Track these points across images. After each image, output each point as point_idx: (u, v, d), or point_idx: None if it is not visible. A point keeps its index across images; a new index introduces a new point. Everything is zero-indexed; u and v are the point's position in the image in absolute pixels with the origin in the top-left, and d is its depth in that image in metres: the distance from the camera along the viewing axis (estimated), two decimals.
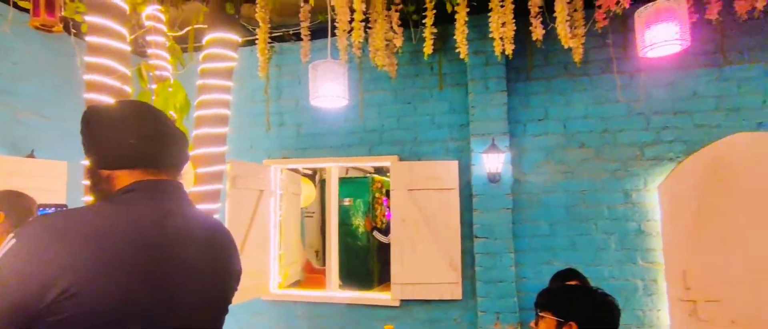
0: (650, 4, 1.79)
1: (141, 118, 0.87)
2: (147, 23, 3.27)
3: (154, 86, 3.04)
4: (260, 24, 3.02)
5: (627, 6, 2.07)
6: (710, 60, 3.25)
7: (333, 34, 2.74)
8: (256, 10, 3.01)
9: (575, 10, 2.75)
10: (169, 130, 0.89)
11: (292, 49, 4.04)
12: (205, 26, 3.11)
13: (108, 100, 2.18)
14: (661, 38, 1.74)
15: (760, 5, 2.38)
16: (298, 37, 3.97)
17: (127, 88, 2.59)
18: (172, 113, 3.00)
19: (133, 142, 0.83)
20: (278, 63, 4.07)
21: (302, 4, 2.95)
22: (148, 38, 3.25)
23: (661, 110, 3.29)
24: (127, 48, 2.64)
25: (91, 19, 2.47)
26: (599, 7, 2.39)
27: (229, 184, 3.47)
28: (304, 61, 3.06)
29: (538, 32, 2.57)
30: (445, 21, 3.00)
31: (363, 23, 2.62)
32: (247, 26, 3.73)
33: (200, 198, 2.38)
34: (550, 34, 2.80)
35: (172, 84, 3.05)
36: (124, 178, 0.83)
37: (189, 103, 3.06)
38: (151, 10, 3.21)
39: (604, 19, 2.42)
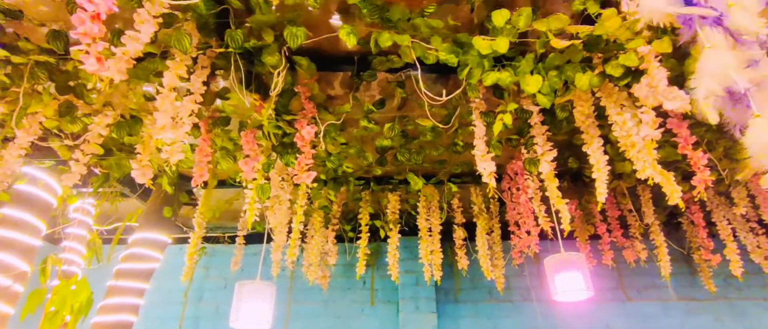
0: (556, 254, 2.05)
1: None
2: (73, 215, 3.14)
3: (56, 283, 2.75)
4: (196, 228, 3.01)
5: (537, 251, 2.35)
6: (616, 295, 3.58)
7: (268, 242, 2.78)
8: (195, 215, 3.04)
9: (494, 243, 3.06)
10: None
11: (223, 251, 3.96)
12: (137, 224, 3.05)
13: None
14: (569, 286, 1.94)
15: (643, 256, 2.80)
16: (232, 240, 3.97)
17: (19, 288, 2.31)
18: (67, 317, 2.65)
19: None
20: (206, 264, 3.91)
21: (242, 215, 3.03)
22: (68, 230, 3.08)
23: None
24: (38, 243, 2.46)
25: (6, 212, 2.36)
26: (514, 246, 2.67)
27: None
28: (233, 269, 2.97)
29: (462, 262, 2.77)
30: (378, 238, 3.17)
31: (298, 240, 2.70)
32: (182, 226, 3.69)
33: None
34: (475, 261, 3.02)
35: (77, 281, 2.78)
36: None
37: (91, 303, 2.74)
38: (81, 203, 3.13)
39: (520, 257, 2.68)
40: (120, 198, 3.27)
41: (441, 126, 1.96)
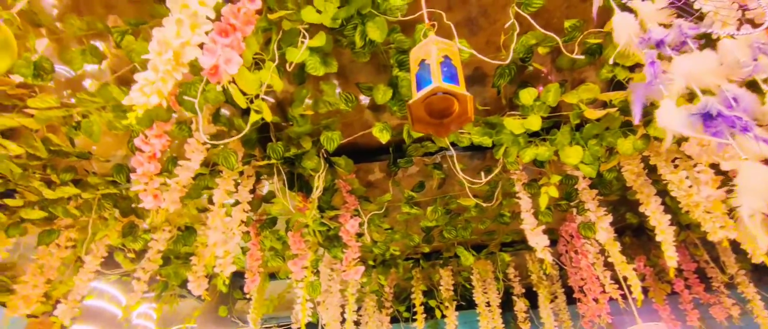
0: (634, 328, 1.88)
1: None
2: (136, 322, 3.25)
3: None
4: (252, 325, 3.02)
5: (609, 321, 2.16)
6: None
7: None
8: (250, 310, 3.06)
9: (560, 310, 2.85)
10: None
11: None
12: (195, 326, 3.10)
13: None
14: None
15: (735, 312, 2.50)
16: None
17: None
18: None
19: None
20: None
21: (295, 306, 3.03)
22: None
23: None
24: None
25: (77, 328, 2.48)
26: (583, 315, 2.47)
27: None
28: None
29: None
30: (435, 315, 3.04)
31: (355, 324, 2.64)
32: (238, 321, 3.71)
33: None
34: None
35: None
36: None
37: None
38: (144, 308, 3.25)
39: (592, 327, 2.47)
40: (178, 300, 3.37)
41: (484, 204, 1.92)
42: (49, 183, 1.70)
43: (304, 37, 1.26)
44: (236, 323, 3.69)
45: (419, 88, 0.79)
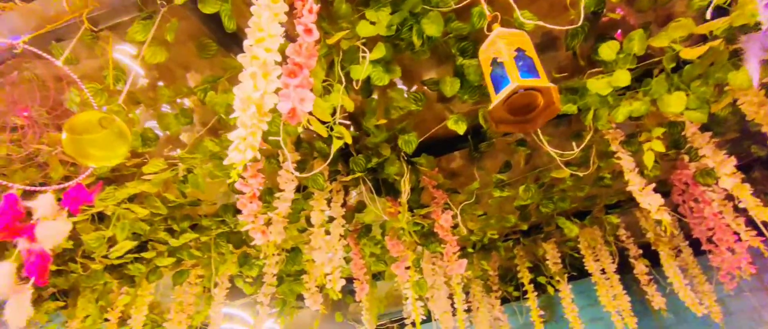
0: None
1: None
2: None
3: None
4: (367, 325, 3.15)
5: (753, 272, 1.92)
6: None
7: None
8: (363, 312, 3.20)
9: (689, 266, 2.59)
10: None
11: None
12: None
13: None
14: None
15: None
16: (401, 325, 4.06)
17: None
18: None
19: None
20: None
21: (403, 302, 3.10)
22: None
23: None
24: None
25: None
26: (717, 268, 2.22)
27: None
28: None
29: (657, 301, 2.39)
30: (546, 290, 2.93)
31: (466, 313, 2.63)
32: (354, 323, 3.90)
33: None
34: (674, 293, 2.57)
35: None
36: None
37: None
38: (269, 324, 3.55)
39: (731, 281, 2.21)
40: (297, 312, 3.63)
41: (579, 173, 1.80)
42: (172, 232, 1.92)
43: (363, 51, 1.27)
44: (353, 326, 3.88)
45: (497, 89, 0.76)
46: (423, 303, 2.06)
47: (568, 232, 2.37)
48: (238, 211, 1.91)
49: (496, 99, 0.75)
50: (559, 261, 2.77)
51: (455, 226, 1.98)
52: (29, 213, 1.06)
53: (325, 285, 1.67)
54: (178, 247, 1.95)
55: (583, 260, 2.67)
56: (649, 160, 1.51)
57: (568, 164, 1.83)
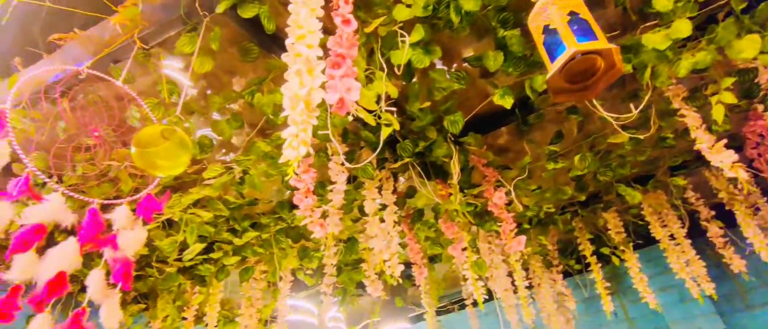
0: None
1: None
2: (329, 325, 3.68)
3: None
4: (427, 309, 3.18)
5: None
6: None
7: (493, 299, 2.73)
8: (423, 296, 3.22)
9: None
10: None
11: (456, 319, 4.06)
12: (378, 319, 3.40)
13: None
14: None
15: None
16: (461, 306, 4.06)
17: None
18: None
19: None
20: None
21: (463, 283, 3.09)
22: None
23: None
24: None
25: None
26: None
27: None
28: None
29: (737, 264, 2.23)
30: (611, 260, 2.81)
31: (527, 289, 2.59)
32: (414, 307, 3.95)
33: None
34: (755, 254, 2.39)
35: None
36: None
37: None
38: (332, 313, 3.66)
39: None
40: (357, 300, 3.72)
41: (639, 135, 1.70)
42: (235, 232, 2.02)
43: (402, 35, 1.26)
44: (413, 309, 3.93)
45: (552, 57, 0.72)
46: (483, 283, 2.05)
47: (630, 199, 2.25)
48: (294, 207, 1.98)
49: (552, 68, 0.71)
50: (622, 230, 2.65)
51: (509, 203, 1.94)
52: (109, 225, 1.15)
53: (385, 272, 1.69)
54: (242, 246, 2.04)
55: (649, 227, 2.53)
56: (718, 113, 1.39)
57: (625, 128, 1.73)
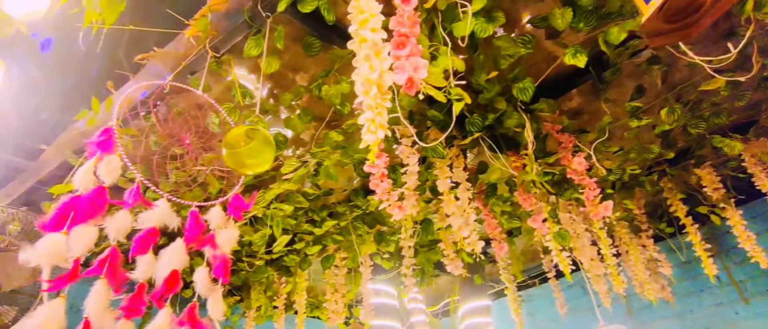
0: None
1: None
2: (410, 306, 3.74)
3: None
4: (508, 284, 3.12)
5: None
6: None
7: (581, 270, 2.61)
8: (501, 272, 3.17)
9: None
10: None
11: (538, 293, 3.95)
12: (458, 298, 3.40)
13: None
14: None
15: None
16: (542, 280, 3.94)
17: None
18: None
19: None
20: (529, 311, 3.96)
21: (543, 256, 2.99)
22: (413, 320, 3.66)
23: None
24: None
25: (373, 323, 2.99)
26: None
27: None
28: (562, 312, 2.89)
29: None
30: (708, 220, 2.57)
31: (615, 257, 2.45)
32: (493, 284, 3.90)
33: None
34: None
35: None
36: None
37: None
38: (412, 294, 3.71)
39: None
40: (434, 280, 3.74)
41: (739, 77, 1.52)
42: (314, 223, 2.10)
43: (462, 6, 1.22)
44: (492, 286, 3.88)
45: None
46: (568, 254, 1.97)
47: (728, 151, 2.04)
48: (367, 193, 2.01)
49: (650, 9, 0.65)
50: (720, 185, 2.41)
51: (590, 168, 1.83)
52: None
53: (463, 250, 1.68)
54: (322, 235, 2.13)
55: (752, 179, 2.28)
56: None
57: (719, 72, 1.55)
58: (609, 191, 2.39)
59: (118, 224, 0.90)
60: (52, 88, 1.96)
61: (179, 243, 1.08)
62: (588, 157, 1.79)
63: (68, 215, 0.84)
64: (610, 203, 1.61)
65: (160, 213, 1.00)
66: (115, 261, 0.86)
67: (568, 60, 1.45)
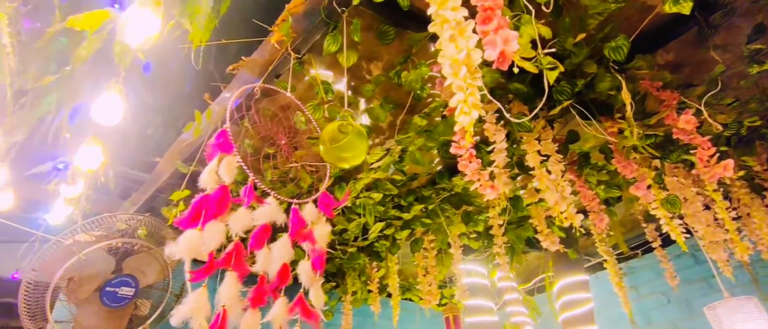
0: None
1: None
2: (501, 285, 3.68)
3: None
4: (607, 258, 2.94)
5: None
6: None
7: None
8: (597, 243, 2.99)
9: None
10: None
11: (640, 265, 3.68)
12: (552, 274, 3.27)
13: None
14: None
15: None
16: (645, 250, 3.65)
17: None
18: None
19: None
20: (632, 283, 3.70)
21: (645, 225, 2.78)
22: (506, 298, 3.60)
23: None
24: (494, 319, 2.97)
25: (468, 303, 2.99)
26: None
27: None
28: (673, 284, 2.67)
29: None
30: None
31: (735, 221, 2.19)
32: (589, 258, 3.70)
33: None
34: None
35: None
36: None
37: None
38: (501, 273, 3.65)
39: None
40: (524, 258, 3.64)
41: None
42: (401, 208, 2.13)
43: None
44: (588, 260, 3.69)
45: None
46: (679, 222, 1.80)
47: None
48: (453, 175, 2.00)
49: None
50: None
51: (700, 125, 1.65)
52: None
53: (555, 225, 1.60)
54: (410, 220, 2.15)
55: None
56: None
57: None
58: (723, 148, 2.14)
59: (239, 220, 0.98)
60: (153, 106, 2.18)
61: (286, 239, 1.15)
62: (697, 113, 1.61)
63: (201, 213, 0.93)
64: (730, 162, 1.44)
65: (270, 211, 1.07)
66: (240, 255, 0.95)
67: (669, 8, 1.30)
